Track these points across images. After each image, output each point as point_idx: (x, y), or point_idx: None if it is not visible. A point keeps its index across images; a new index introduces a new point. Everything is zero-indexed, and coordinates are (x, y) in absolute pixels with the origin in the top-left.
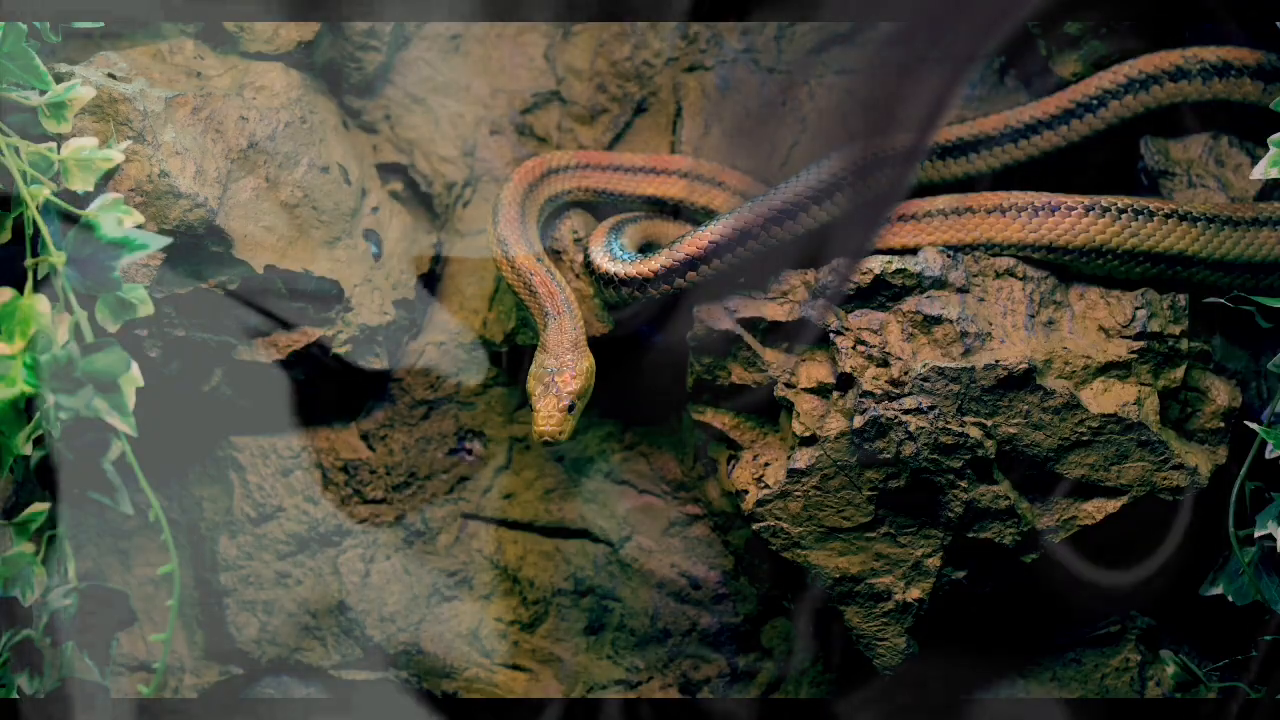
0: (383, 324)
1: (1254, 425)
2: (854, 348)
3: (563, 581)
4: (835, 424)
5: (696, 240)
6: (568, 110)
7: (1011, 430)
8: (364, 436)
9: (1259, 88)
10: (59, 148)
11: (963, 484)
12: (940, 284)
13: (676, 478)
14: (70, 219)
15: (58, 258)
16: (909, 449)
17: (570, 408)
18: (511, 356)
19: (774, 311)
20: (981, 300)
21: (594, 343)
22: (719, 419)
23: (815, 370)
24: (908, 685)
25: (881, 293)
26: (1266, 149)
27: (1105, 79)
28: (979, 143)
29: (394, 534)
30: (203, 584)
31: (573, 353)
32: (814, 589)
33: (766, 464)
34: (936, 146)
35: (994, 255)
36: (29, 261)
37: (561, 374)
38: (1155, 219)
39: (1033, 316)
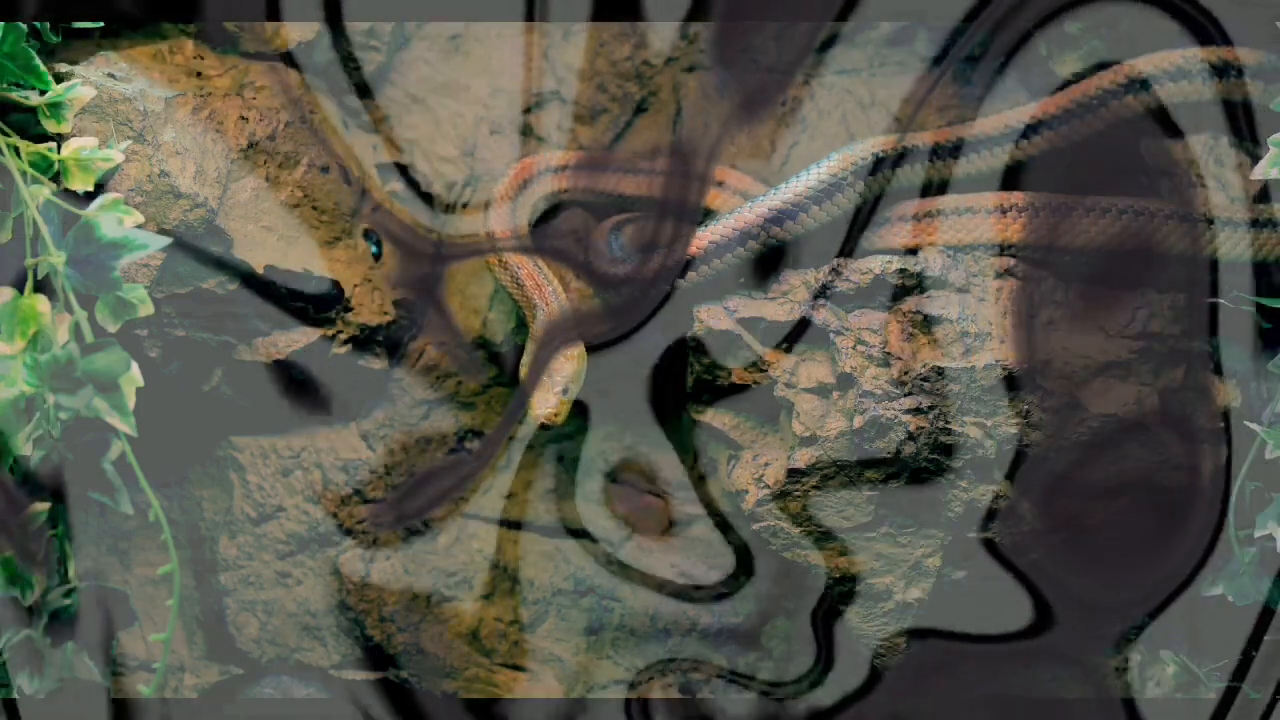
0: (383, 324)
1: (1254, 425)
2: (854, 348)
3: (563, 581)
4: (835, 424)
5: (696, 240)
6: (568, 110)
7: (1011, 430)
8: (364, 436)
9: (1259, 87)
10: (59, 148)
11: (963, 484)
12: (940, 284)
13: (676, 478)
14: (70, 219)
15: (58, 258)
16: (909, 449)
17: (564, 391)
18: (512, 357)
19: (774, 311)
20: (981, 300)
21: (593, 342)
22: (719, 419)
23: (815, 370)
24: (908, 685)
25: (881, 293)
26: (1266, 149)
27: (1105, 79)
28: (979, 143)
29: (394, 534)
30: (203, 584)
31: (563, 340)
32: (814, 589)
33: (766, 464)
34: (937, 146)
35: (994, 255)
36: (29, 261)
37: (553, 361)
38: (1155, 219)
39: (1033, 316)
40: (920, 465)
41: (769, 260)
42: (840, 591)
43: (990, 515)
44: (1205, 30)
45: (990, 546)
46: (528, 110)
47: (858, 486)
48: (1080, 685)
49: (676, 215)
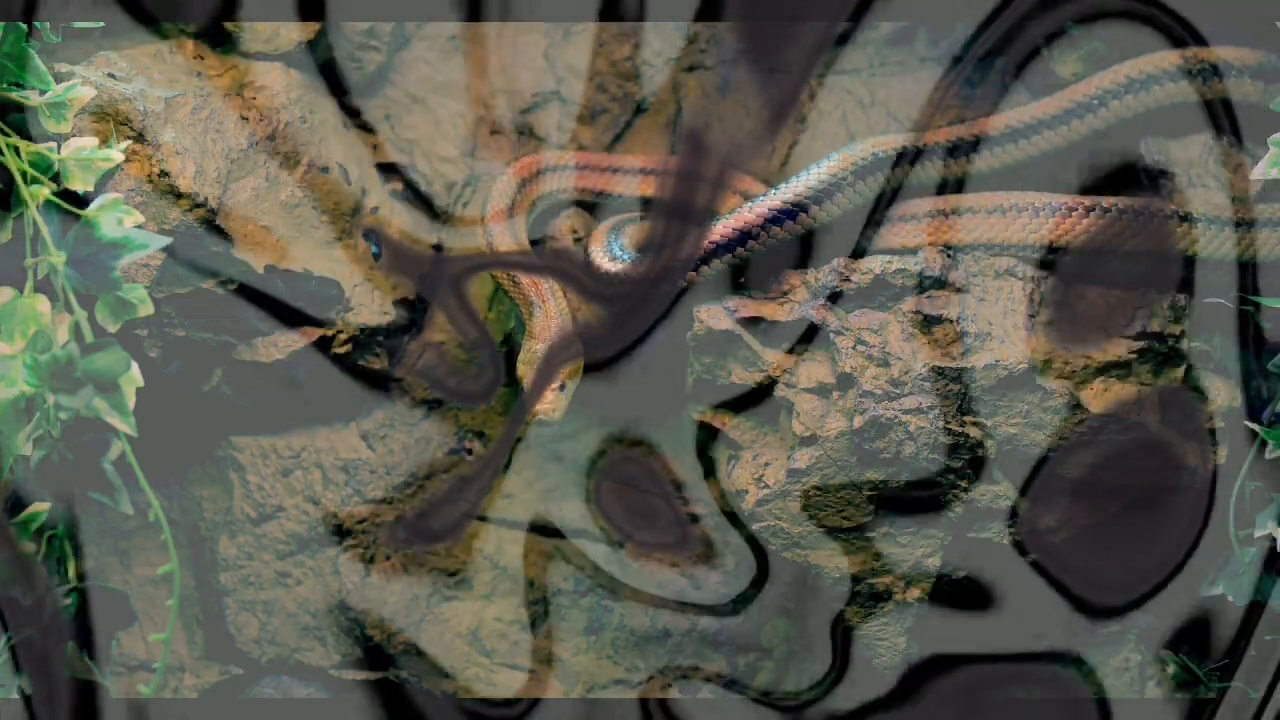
0: (383, 324)
1: (1254, 425)
2: (854, 348)
3: (563, 581)
4: (835, 424)
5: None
6: (568, 110)
7: (1011, 430)
8: (364, 436)
9: (1259, 87)
10: (59, 148)
11: (963, 484)
12: (940, 284)
13: (676, 478)
14: (70, 219)
15: (58, 258)
16: (909, 449)
17: (561, 387)
18: (511, 357)
19: (774, 311)
20: (981, 300)
21: (593, 343)
22: (719, 419)
23: (815, 370)
24: (908, 685)
25: (881, 293)
26: (1266, 149)
27: (1105, 79)
28: (979, 143)
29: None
30: (203, 584)
31: (560, 336)
32: (814, 589)
33: (766, 464)
34: (938, 146)
35: (994, 255)
36: (29, 261)
37: (551, 357)
38: (1155, 219)
39: (1033, 316)
40: (920, 465)
41: (774, 258)
42: (840, 591)
43: (990, 515)
44: (1199, 34)
45: (990, 546)
46: (526, 110)
47: (858, 486)
48: (1076, 685)
49: (688, 217)
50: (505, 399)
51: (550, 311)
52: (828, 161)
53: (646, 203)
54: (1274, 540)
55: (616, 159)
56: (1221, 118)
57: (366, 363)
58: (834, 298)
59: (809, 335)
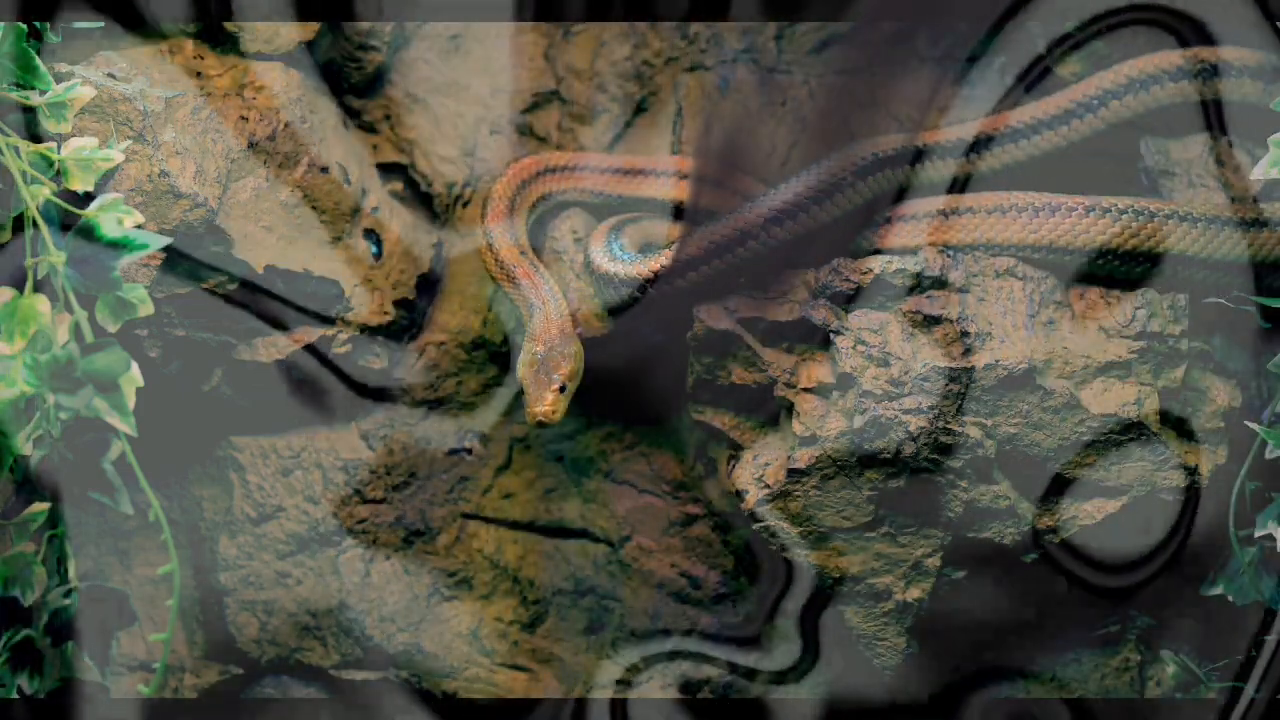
0: (383, 324)
1: (1254, 425)
2: (854, 348)
3: (563, 581)
4: (835, 424)
5: (697, 241)
6: (568, 110)
7: (1011, 430)
8: (364, 436)
9: (1259, 87)
10: (59, 148)
11: (963, 484)
12: (940, 284)
13: (676, 478)
14: (70, 219)
15: (58, 258)
16: (909, 449)
17: (561, 389)
18: (511, 356)
19: (774, 311)
20: (981, 300)
21: (593, 343)
22: (719, 419)
23: (815, 370)
24: (907, 685)
25: (881, 293)
26: (1266, 149)
27: (1105, 79)
28: (979, 143)
29: (394, 534)
30: (203, 584)
31: (560, 338)
32: (814, 589)
33: (766, 464)
34: (937, 147)
35: (994, 255)
36: (29, 261)
37: (551, 358)
38: (1155, 219)
39: (1033, 316)
40: (920, 465)
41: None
42: (840, 591)
43: (990, 515)
44: (1203, 33)
45: (989, 546)
46: (526, 110)
47: (858, 486)
48: (1078, 685)
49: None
50: (504, 399)
51: (550, 313)
52: (827, 161)
53: (650, 204)
54: (1274, 540)
55: (617, 159)
56: (1221, 118)
57: (366, 363)
58: (834, 298)
59: (809, 335)
